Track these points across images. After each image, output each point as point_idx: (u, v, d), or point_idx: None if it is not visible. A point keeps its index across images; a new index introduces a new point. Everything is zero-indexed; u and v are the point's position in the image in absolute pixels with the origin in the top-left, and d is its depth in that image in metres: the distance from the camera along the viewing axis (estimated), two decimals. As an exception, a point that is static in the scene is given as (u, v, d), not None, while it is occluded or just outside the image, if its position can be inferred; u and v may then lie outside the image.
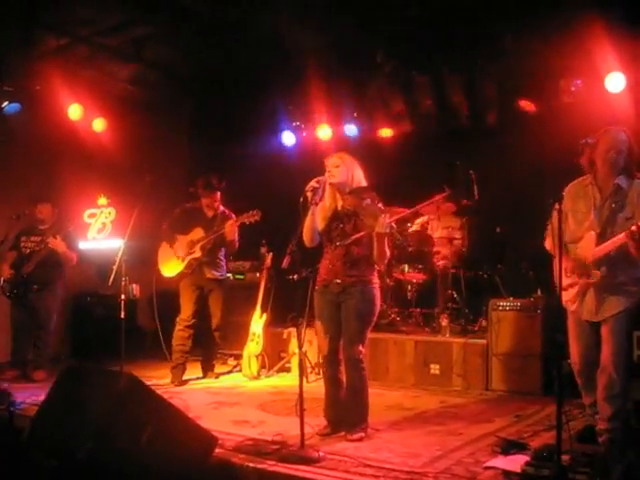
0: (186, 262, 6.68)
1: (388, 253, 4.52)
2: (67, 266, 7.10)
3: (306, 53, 7.57)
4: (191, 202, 6.98)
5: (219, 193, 6.88)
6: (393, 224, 4.38)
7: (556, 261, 4.23)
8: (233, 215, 6.79)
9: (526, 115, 7.41)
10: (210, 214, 6.84)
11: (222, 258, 6.92)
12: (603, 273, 4.02)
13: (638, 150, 4.14)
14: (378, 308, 4.59)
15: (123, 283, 5.98)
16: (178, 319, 6.73)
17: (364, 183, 4.63)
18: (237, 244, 6.77)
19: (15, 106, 7.66)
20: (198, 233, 6.69)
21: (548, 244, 4.39)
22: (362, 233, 4.44)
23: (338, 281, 4.48)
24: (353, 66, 7.86)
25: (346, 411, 4.54)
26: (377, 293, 4.55)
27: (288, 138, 9.10)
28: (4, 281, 6.81)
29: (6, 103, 7.63)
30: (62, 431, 3.77)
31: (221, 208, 6.90)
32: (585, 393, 4.33)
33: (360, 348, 4.47)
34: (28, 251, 6.94)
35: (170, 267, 6.77)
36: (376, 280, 4.57)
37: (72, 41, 7.56)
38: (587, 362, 4.20)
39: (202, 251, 6.64)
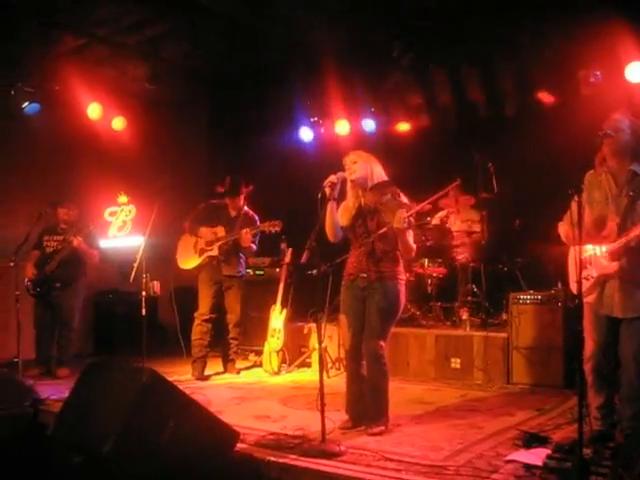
0: (202, 258, 6.75)
1: (414, 247, 4.53)
2: (89, 264, 7.17)
3: (323, 48, 7.57)
4: (217, 199, 7.02)
5: (243, 197, 6.91)
6: (411, 218, 4.38)
7: (571, 252, 4.19)
8: (256, 217, 6.85)
9: (545, 107, 7.36)
10: (233, 214, 6.89)
11: (241, 256, 6.95)
12: (622, 264, 3.89)
13: None
14: (403, 304, 4.60)
15: (144, 280, 6.04)
16: (196, 314, 6.79)
17: (385, 177, 4.64)
18: (254, 249, 6.82)
19: (35, 107, 7.74)
20: (220, 231, 6.74)
21: (562, 234, 4.26)
22: (384, 229, 4.45)
23: (364, 275, 4.51)
24: (370, 60, 7.85)
25: (366, 405, 4.55)
26: (402, 289, 4.55)
27: (306, 134, 9.10)
28: (28, 280, 6.91)
29: (26, 104, 7.71)
30: (86, 427, 3.82)
31: (245, 209, 6.94)
32: (595, 393, 4.09)
33: (381, 343, 4.48)
34: (51, 250, 7.04)
35: (187, 260, 6.86)
36: (402, 276, 4.58)
37: (90, 41, 7.62)
38: (602, 358, 4.04)
39: (219, 250, 6.70)
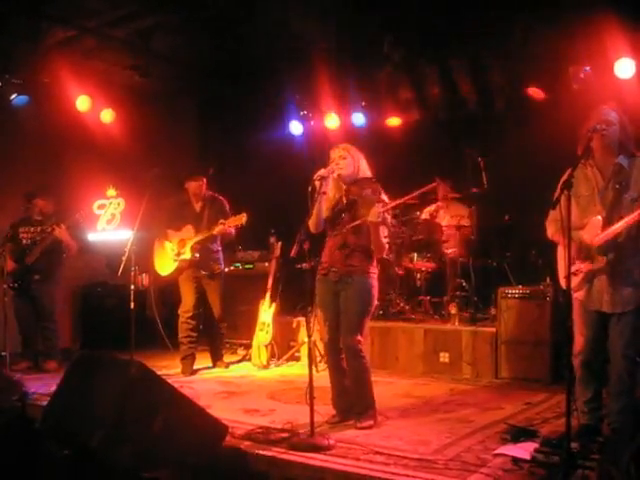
0: (177, 263, 6.68)
1: (385, 245, 4.53)
2: (67, 255, 7.11)
3: (313, 42, 7.55)
4: (180, 194, 6.95)
5: (204, 180, 6.84)
6: (386, 214, 4.39)
7: (560, 248, 4.19)
8: (221, 198, 6.79)
9: (535, 102, 7.38)
10: (198, 207, 6.81)
11: (217, 250, 6.86)
12: (610, 259, 3.89)
13: (633, 128, 4.01)
14: (375, 298, 4.61)
15: (132, 273, 6.01)
16: (180, 311, 6.76)
17: (368, 174, 4.66)
18: (233, 234, 6.73)
19: (23, 98, 7.69)
20: (188, 231, 6.67)
21: (550, 232, 4.25)
22: (357, 222, 4.45)
23: (335, 270, 4.51)
24: (360, 55, 7.84)
25: (352, 399, 4.56)
26: (374, 283, 4.55)
27: (296, 127, 9.09)
28: (7, 274, 6.83)
29: (15, 95, 7.66)
30: (74, 420, 3.81)
31: (208, 193, 6.86)
32: (583, 387, 4.09)
33: (358, 337, 4.48)
34: (29, 242, 6.95)
35: (164, 266, 6.79)
36: (374, 270, 4.58)
37: (79, 33, 7.56)
38: (591, 353, 4.03)
39: (192, 252, 6.61)
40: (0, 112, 7.76)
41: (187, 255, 6.62)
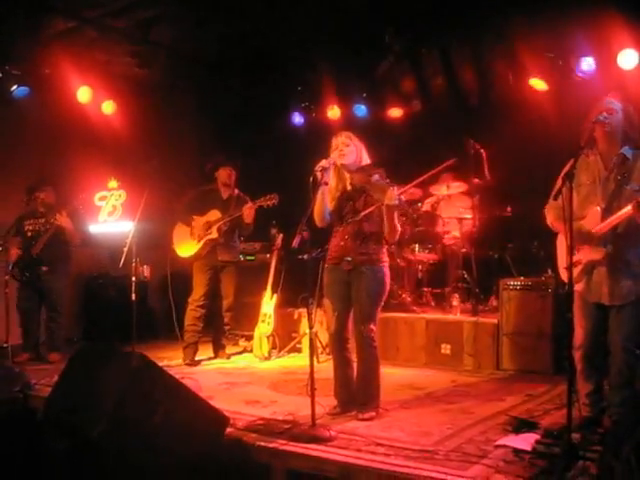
0: (202, 242, 6.69)
1: (399, 228, 4.52)
2: (72, 245, 7.11)
3: (315, 33, 7.53)
4: (206, 184, 6.98)
5: (234, 170, 6.88)
6: (402, 196, 4.37)
7: (560, 237, 4.17)
8: (248, 198, 6.80)
9: (537, 93, 7.35)
10: (225, 195, 6.85)
11: (236, 240, 6.95)
12: (609, 250, 3.87)
13: (639, 118, 4.00)
14: (388, 287, 4.60)
15: (134, 265, 6.01)
16: (190, 299, 6.76)
17: (369, 161, 4.65)
18: (252, 227, 6.79)
19: (24, 90, 7.66)
20: (214, 214, 6.70)
21: (549, 219, 4.23)
22: (372, 208, 4.44)
23: (349, 259, 4.48)
24: (362, 46, 7.80)
25: (357, 390, 4.56)
26: (387, 272, 4.55)
27: (297, 119, 9.07)
28: (13, 266, 6.82)
29: (15, 87, 7.63)
30: (76, 411, 3.81)
31: (236, 190, 6.91)
32: (584, 380, 4.09)
33: (372, 326, 4.48)
34: (34, 233, 6.94)
35: (186, 247, 6.79)
36: (386, 258, 4.58)
37: (80, 24, 7.54)
38: (592, 346, 4.02)
39: (219, 232, 6.65)
40: (0, 104, 7.74)
41: (214, 235, 6.64)
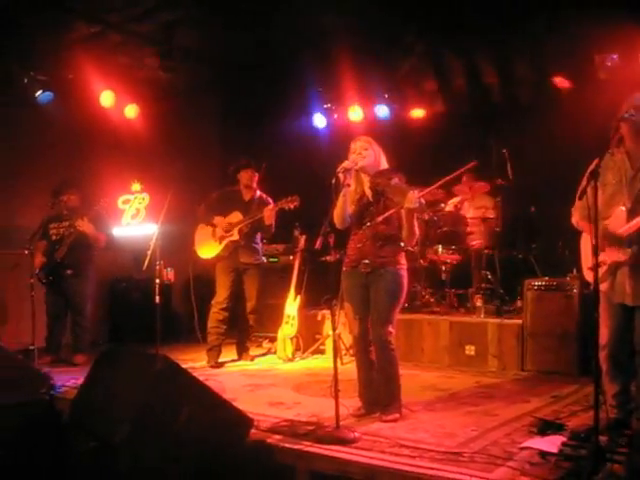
0: (224, 244, 6.70)
1: (417, 231, 4.50)
2: (96, 248, 7.16)
3: (336, 34, 7.52)
4: (229, 186, 7.00)
5: (257, 173, 6.89)
6: (422, 199, 4.35)
7: (584, 237, 4.13)
8: (270, 200, 6.81)
9: (561, 92, 7.29)
10: (247, 197, 6.86)
11: (258, 242, 6.95)
12: (634, 251, 3.81)
13: None
14: (406, 289, 4.58)
15: (157, 268, 6.04)
16: (213, 302, 6.78)
17: (387, 166, 4.64)
18: (273, 229, 6.79)
19: (49, 95, 7.75)
20: (236, 216, 6.71)
21: (575, 219, 4.19)
22: (391, 211, 4.42)
23: (367, 262, 4.47)
24: (384, 46, 7.79)
25: (379, 392, 4.54)
26: (405, 274, 4.54)
27: (319, 120, 9.07)
28: (39, 269, 6.87)
29: (40, 92, 7.72)
30: (101, 413, 3.84)
31: (258, 192, 6.92)
32: (610, 380, 4.04)
33: (389, 329, 4.47)
34: (58, 237, 6.99)
35: (207, 249, 6.81)
36: (404, 261, 4.56)
37: (103, 28, 7.60)
38: (617, 346, 3.97)
39: (240, 234, 6.66)
40: (26, 109, 7.82)
41: (235, 237, 6.65)
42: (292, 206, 6.51)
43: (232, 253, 6.72)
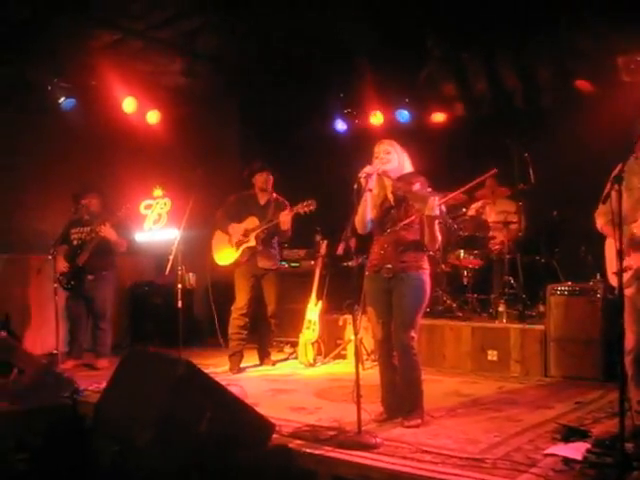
0: (240, 250, 6.69)
1: (439, 237, 4.47)
2: (117, 253, 7.19)
3: (356, 39, 7.52)
4: (245, 191, 7.01)
5: (271, 175, 6.88)
6: (443, 207, 4.34)
7: (608, 242, 4.09)
8: (287, 203, 6.81)
9: (583, 95, 7.24)
10: (263, 201, 6.85)
11: (275, 247, 6.93)
12: None
13: None
14: (429, 294, 4.57)
15: (180, 272, 6.07)
16: (233, 307, 6.77)
17: (411, 169, 4.63)
18: (290, 233, 6.78)
19: (71, 102, 7.83)
20: (252, 222, 6.71)
21: (599, 224, 4.16)
22: (412, 217, 4.42)
23: (389, 266, 4.46)
24: (404, 51, 7.77)
25: (401, 397, 4.53)
26: (427, 279, 4.52)
27: (340, 125, 9.08)
28: (60, 274, 6.91)
29: (63, 99, 7.80)
30: (124, 417, 3.86)
31: (274, 195, 6.92)
32: (635, 386, 4.00)
33: (412, 334, 4.45)
34: (79, 242, 7.02)
35: (225, 255, 6.80)
36: (426, 266, 4.55)
37: (125, 35, 7.66)
38: None
39: (256, 240, 6.65)
40: (49, 115, 7.92)
41: (252, 243, 6.63)
42: (308, 210, 6.48)
43: (250, 259, 6.70)
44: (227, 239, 6.79)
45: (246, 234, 6.69)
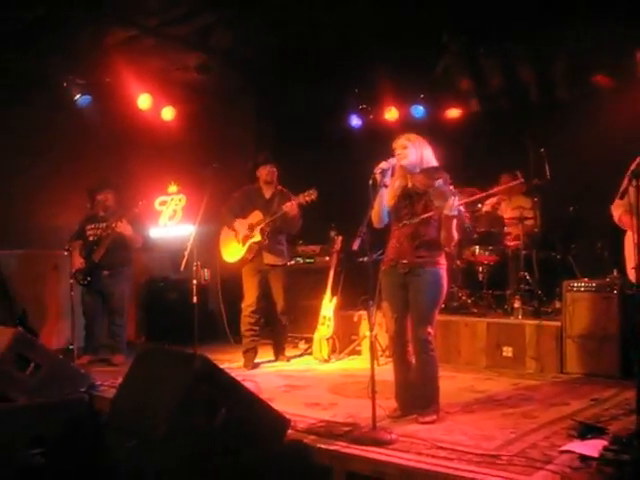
0: (247, 246, 6.64)
1: (456, 236, 4.46)
2: (133, 249, 7.22)
3: (371, 35, 7.50)
4: (249, 184, 6.99)
5: (275, 167, 6.84)
6: (462, 207, 4.32)
7: (627, 236, 4.06)
8: (291, 194, 6.74)
9: (602, 90, 7.18)
10: (268, 194, 6.81)
11: (283, 243, 6.87)
12: None
13: None
14: (445, 289, 4.55)
15: (195, 268, 6.08)
16: (243, 305, 6.76)
17: (434, 163, 4.58)
18: (299, 223, 6.74)
19: (87, 98, 7.87)
20: (257, 216, 6.67)
21: (616, 215, 4.11)
22: (430, 213, 4.40)
23: (405, 261, 4.45)
24: (419, 46, 7.74)
25: (416, 393, 4.51)
26: (444, 274, 4.50)
27: (355, 121, 9.06)
28: (76, 270, 6.92)
29: (79, 96, 7.84)
30: (140, 412, 3.87)
31: (279, 187, 6.87)
32: None
33: (429, 329, 4.44)
34: (94, 238, 7.04)
35: (232, 252, 6.76)
36: (443, 261, 4.52)
37: (140, 32, 7.69)
38: None
39: (262, 234, 6.59)
40: (65, 112, 7.96)
41: (257, 238, 6.59)
42: (309, 199, 6.44)
43: (256, 255, 6.67)
44: (233, 235, 6.77)
45: (251, 229, 6.66)
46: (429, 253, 4.45)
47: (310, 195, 6.45)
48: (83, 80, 7.86)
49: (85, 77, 7.86)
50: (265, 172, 6.82)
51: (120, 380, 4.44)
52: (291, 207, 6.50)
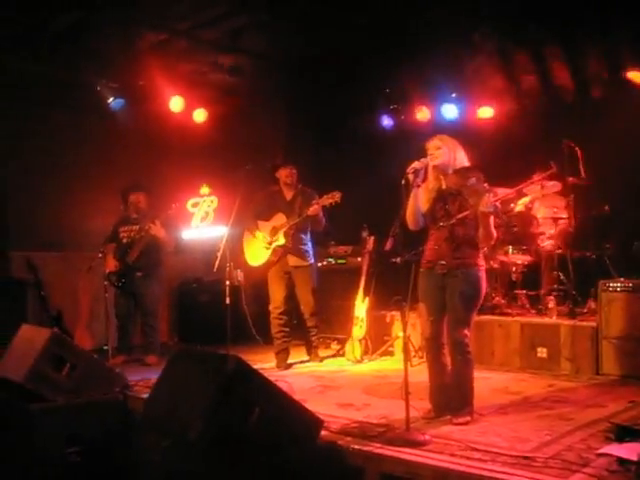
0: (271, 250, 6.65)
1: (494, 233, 4.42)
2: (165, 251, 7.26)
3: (402, 34, 7.48)
4: (270, 187, 6.97)
5: (295, 168, 6.82)
6: (497, 203, 4.28)
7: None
8: (314, 192, 6.73)
9: (636, 87, 7.07)
10: (289, 196, 6.80)
11: (306, 242, 6.83)
12: None
13: None
14: (484, 291, 4.51)
15: (227, 269, 6.11)
16: (271, 308, 6.76)
17: (467, 163, 4.55)
18: (323, 223, 6.71)
19: (120, 102, 7.96)
20: (280, 218, 6.67)
21: None
22: (466, 212, 4.36)
23: (443, 263, 4.42)
24: (451, 45, 7.70)
25: (451, 395, 4.48)
26: (483, 275, 4.46)
27: (386, 121, 9.04)
28: (110, 272, 6.98)
29: (112, 99, 7.93)
30: (173, 413, 3.89)
31: (300, 186, 6.85)
32: None
33: (466, 332, 4.40)
34: (128, 240, 7.12)
35: (256, 255, 6.76)
36: (482, 262, 4.48)
37: (171, 36, 7.76)
38: None
39: (285, 237, 6.59)
40: (99, 115, 8.06)
41: (281, 241, 6.59)
42: (333, 202, 6.40)
43: (281, 257, 6.66)
44: (257, 239, 6.75)
45: (274, 232, 6.65)
46: (467, 254, 4.42)
47: (333, 197, 6.43)
48: (116, 84, 7.96)
49: (118, 80, 7.96)
50: (285, 174, 6.81)
51: (154, 380, 4.47)
52: (314, 210, 6.50)
